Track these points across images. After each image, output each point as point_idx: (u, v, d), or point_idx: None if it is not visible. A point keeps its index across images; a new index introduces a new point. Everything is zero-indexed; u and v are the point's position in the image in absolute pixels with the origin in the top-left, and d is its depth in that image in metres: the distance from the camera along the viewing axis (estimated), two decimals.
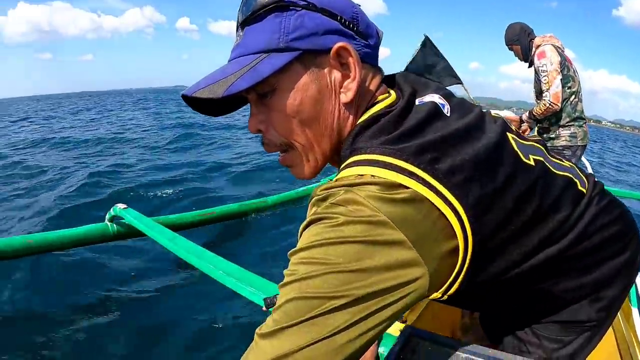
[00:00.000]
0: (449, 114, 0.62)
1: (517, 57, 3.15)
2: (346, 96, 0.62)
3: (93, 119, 16.31)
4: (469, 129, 0.59)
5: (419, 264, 0.49)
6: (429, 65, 3.96)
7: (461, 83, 4.09)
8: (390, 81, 0.71)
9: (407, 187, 0.51)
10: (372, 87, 0.66)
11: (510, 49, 3.11)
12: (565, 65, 2.89)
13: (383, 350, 0.60)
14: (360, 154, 0.56)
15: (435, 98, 0.63)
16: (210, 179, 5.65)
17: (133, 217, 2.47)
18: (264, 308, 1.32)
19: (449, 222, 0.52)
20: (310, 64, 0.60)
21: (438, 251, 0.52)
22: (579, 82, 2.98)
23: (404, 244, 0.48)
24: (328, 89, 0.62)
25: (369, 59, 0.65)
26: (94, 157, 7.37)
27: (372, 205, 0.48)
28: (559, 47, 2.93)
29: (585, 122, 3.02)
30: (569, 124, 2.98)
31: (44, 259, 2.71)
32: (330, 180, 0.57)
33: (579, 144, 3.01)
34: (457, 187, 0.53)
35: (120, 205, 2.58)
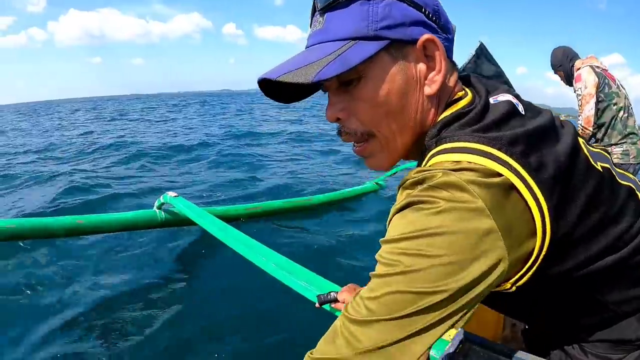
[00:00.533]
0: (523, 113, 0.60)
1: (563, 82, 3.13)
2: (430, 89, 0.61)
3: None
4: (546, 129, 0.58)
5: (504, 254, 0.48)
6: (481, 74, 3.89)
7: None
8: (463, 81, 0.69)
9: (501, 175, 0.50)
10: (452, 82, 0.64)
11: (556, 74, 3.12)
12: (605, 83, 2.85)
13: (435, 353, 0.55)
14: (452, 142, 0.54)
15: (508, 97, 0.61)
16: (257, 177, 5.68)
17: (184, 206, 2.47)
18: (317, 305, 1.25)
19: (533, 216, 0.51)
20: (397, 54, 0.58)
21: (519, 243, 0.51)
22: (626, 96, 2.90)
23: (496, 234, 0.47)
24: (413, 81, 0.60)
25: (448, 53, 0.63)
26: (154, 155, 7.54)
27: (472, 191, 0.47)
28: (597, 67, 2.89)
29: (639, 139, 2.91)
30: (621, 141, 2.90)
31: (91, 239, 2.75)
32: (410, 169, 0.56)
33: (631, 162, 2.90)
34: (544, 184, 0.52)
35: (171, 193, 2.59)
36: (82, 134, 11.25)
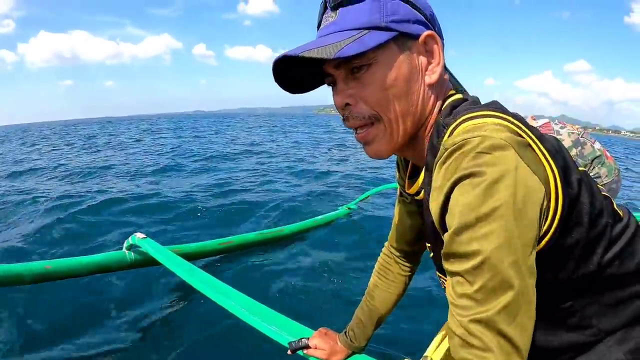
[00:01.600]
0: None
1: None
2: (430, 78, 0.69)
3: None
4: None
5: (544, 195, 0.56)
6: None
7: None
8: None
9: (521, 136, 0.57)
10: (446, 77, 0.74)
11: None
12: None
13: None
14: (472, 113, 0.62)
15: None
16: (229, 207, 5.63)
17: (152, 248, 2.45)
18: (289, 352, 1.28)
19: (547, 173, 0.58)
20: (403, 46, 0.67)
21: (546, 193, 0.57)
22: (569, 133, 2.90)
23: (540, 186, 0.55)
24: (416, 70, 0.68)
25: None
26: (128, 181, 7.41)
27: (512, 147, 0.54)
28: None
29: (604, 158, 2.88)
30: (590, 169, 2.86)
31: (61, 284, 2.72)
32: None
33: (604, 182, 2.91)
34: (549, 151, 0.59)
35: (139, 235, 2.56)
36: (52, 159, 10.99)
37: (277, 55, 0.70)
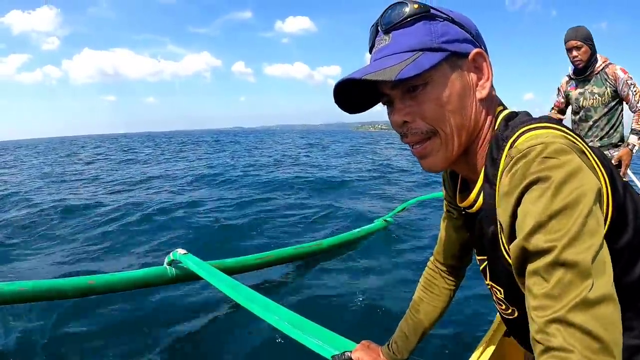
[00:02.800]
0: None
1: (575, 58, 2.95)
2: (481, 93, 0.72)
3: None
4: None
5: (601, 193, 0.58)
6: None
7: None
8: None
9: (576, 143, 0.60)
10: (494, 93, 0.75)
11: (579, 47, 2.91)
12: None
13: None
14: (528, 125, 0.65)
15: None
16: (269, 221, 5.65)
17: (193, 263, 2.45)
18: None
19: (600, 179, 0.59)
20: (454, 64, 0.69)
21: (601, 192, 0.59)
22: None
23: (600, 187, 0.57)
24: (468, 86, 0.71)
25: None
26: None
27: (573, 151, 0.56)
28: None
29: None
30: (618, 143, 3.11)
31: (104, 298, 2.75)
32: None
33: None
34: (598, 158, 0.63)
35: (180, 251, 2.58)
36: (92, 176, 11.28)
37: (339, 77, 0.71)
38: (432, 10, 0.69)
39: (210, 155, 18.11)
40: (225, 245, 4.41)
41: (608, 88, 2.97)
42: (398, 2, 0.70)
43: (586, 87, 3.05)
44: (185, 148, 22.53)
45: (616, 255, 0.59)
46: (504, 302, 0.82)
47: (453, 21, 0.70)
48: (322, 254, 3.80)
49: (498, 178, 0.64)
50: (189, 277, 2.61)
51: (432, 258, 1.17)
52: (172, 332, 2.61)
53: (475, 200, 0.76)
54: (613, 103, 3.01)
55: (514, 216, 0.59)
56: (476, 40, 0.72)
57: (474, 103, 0.72)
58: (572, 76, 3.15)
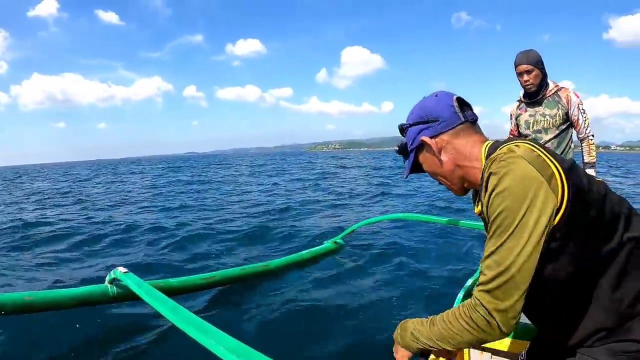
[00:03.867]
0: None
1: (527, 82, 2.97)
2: (443, 156, 1.08)
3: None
4: None
5: (549, 192, 0.83)
6: None
7: None
8: None
9: (534, 149, 0.88)
10: (458, 143, 1.05)
11: (530, 71, 2.93)
12: None
13: None
14: (500, 146, 0.95)
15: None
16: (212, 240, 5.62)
17: (133, 283, 2.41)
18: None
19: (552, 170, 0.85)
20: (421, 150, 1.10)
21: (554, 190, 0.84)
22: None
23: (540, 178, 0.83)
24: (433, 157, 1.09)
25: (456, 125, 1.05)
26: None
27: (522, 155, 0.86)
28: None
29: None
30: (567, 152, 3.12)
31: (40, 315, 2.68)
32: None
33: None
34: (553, 156, 0.88)
35: (121, 269, 2.54)
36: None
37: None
38: (402, 128, 1.12)
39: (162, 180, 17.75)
40: (173, 263, 4.35)
41: (560, 110, 2.99)
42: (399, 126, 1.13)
43: (537, 110, 3.06)
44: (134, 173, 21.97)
45: (587, 226, 0.86)
46: None
47: (411, 125, 1.08)
48: (269, 275, 3.80)
49: (484, 183, 0.91)
50: (130, 296, 2.57)
51: None
52: (108, 354, 2.56)
53: (481, 208, 1.00)
54: (564, 126, 3.02)
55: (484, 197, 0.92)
56: (429, 121, 1.05)
57: (438, 163, 1.07)
58: (522, 100, 3.13)
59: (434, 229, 6.24)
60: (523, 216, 0.81)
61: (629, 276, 0.88)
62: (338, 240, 5.03)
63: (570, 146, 3.11)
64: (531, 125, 3.09)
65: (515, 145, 0.89)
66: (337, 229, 5.93)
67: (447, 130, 1.03)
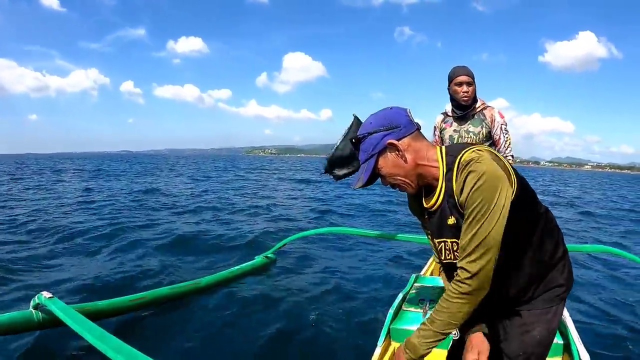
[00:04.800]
0: None
1: (465, 94, 2.93)
2: (405, 157, 1.26)
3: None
4: None
5: (509, 185, 1.16)
6: None
7: None
8: None
9: (492, 152, 1.21)
10: (417, 145, 1.27)
11: (470, 83, 2.92)
12: None
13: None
14: (462, 150, 1.21)
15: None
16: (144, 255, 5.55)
17: (58, 308, 2.38)
18: None
19: (508, 168, 1.19)
20: (383, 154, 1.26)
21: (510, 182, 1.17)
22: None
23: (501, 173, 1.15)
24: (396, 158, 1.26)
25: (412, 134, 1.27)
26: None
27: (490, 157, 1.16)
28: None
29: None
30: None
31: None
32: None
33: None
34: (501, 160, 1.20)
35: (46, 294, 2.50)
36: None
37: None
38: (360, 138, 1.27)
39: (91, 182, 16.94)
40: (102, 283, 4.24)
41: (484, 129, 3.00)
42: (352, 138, 1.29)
43: (462, 126, 3.05)
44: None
45: (527, 200, 1.24)
46: (453, 253, 1.31)
47: (371, 133, 1.25)
48: (200, 293, 3.82)
49: (453, 177, 1.19)
50: (56, 322, 2.51)
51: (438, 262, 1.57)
52: None
53: (436, 202, 1.29)
54: (486, 145, 2.87)
55: (461, 190, 1.16)
56: (392, 127, 1.24)
57: (403, 164, 1.25)
58: (448, 113, 3.11)
59: (365, 242, 6.53)
60: (495, 202, 1.12)
61: (546, 237, 1.29)
62: (269, 255, 5.09)
63: None
64: (455, 140, 3.08)
65: (479, 150, 1.18)
66: (269, 243, 6.05)
67: (407, 135, 1.25)
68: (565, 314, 2.06)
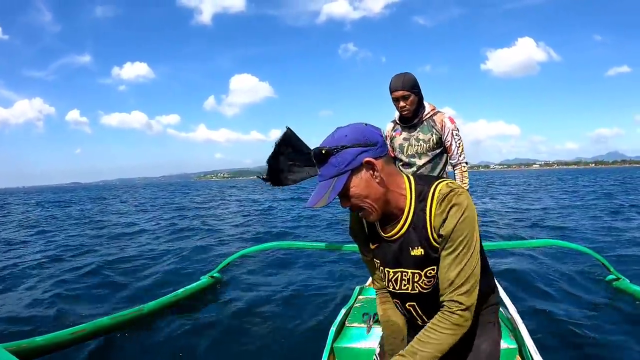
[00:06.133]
0: None
1: (403, 108, 2.87)
2: (378, 179, 1.17)
3: None
4: None
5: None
6: (300, 153, 3.81)
7: None
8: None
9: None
10: (390, 168, 1.20)
11: (407, 97, 2.81)
12: None
13: None
14: (436, 181, 1.21)
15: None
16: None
17: None
18: None
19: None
20: (356, 173, 1.15)
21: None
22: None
23: (473, 209, 1.17)
24: (369, 179, 1.15)
25: (385, 153, 1.19)
26: None
27: (463, 191, 1.17)
28: None
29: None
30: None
31: None
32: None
33: None
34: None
35: None
36: None
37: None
38: (332, 150, 1.13)
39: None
40: (38, 317, 4.00)
41: (434, 135, 2.92)
42: (317, 148, 1.15)
43: (412, 134, 2.97)
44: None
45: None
46: (413, 283, 1.27)
47: (345, 147, 1.12)
48: (144, 321, 3.67)
49: (428, 209, 1.17)
50: None
51: (377, 287, 1.51)
52: None
53: (399, 231, 1.24)
54: (437, 151, 2.96)
55: (442, 224, 1.15)
56: (370, 144, 1.13)
57: (375, 185, 1.16)
58: (397, 122, 3.05)
59: (311, 255, 6.55)
60: (475, 235, 1.16)
61: (484, 260, 1.30)
62: (215, 275, 5.01)
63: (445, 170, 3.08)
64: (405, 149, 3.00)
65: (452, 182, 1.19)
66: (213, 262, 5.93)
67: (382, 156, 1.16)
68: (516, 316, 2.09)
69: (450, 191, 1.15)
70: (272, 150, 3.65)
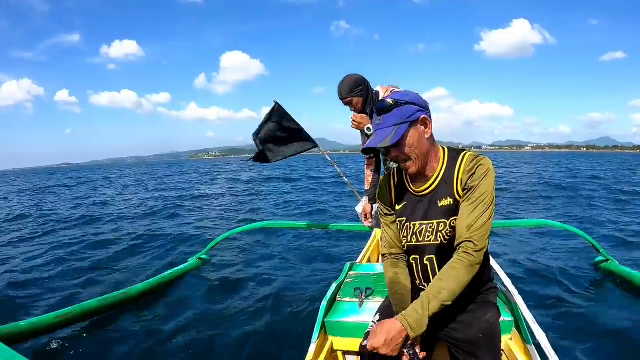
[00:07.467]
0: None
1: (352, 110, 2.97)
2: (427, 134, 1.43)
3: None
4: None
5: None
6: (288, 129, 3.84)
7: (317, 146, 4.00)
8: None
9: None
10: (432, 133, 1.46)
11: (349, 102, 2.93)
12: None
13: None
14: (464, 150, 1.48)
15: None
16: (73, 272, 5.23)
17: None
18: None
19: None
20: (414, 126, 1.40)
21: None
22: None
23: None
24: (421, 134, 1.41)
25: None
26: None
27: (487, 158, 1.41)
28: None
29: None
30: None
31: None
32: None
33: None
34: None
35: None
36: None
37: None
38: (399, 102, 1.38)
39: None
40: (20, 301, 3.96)
41: None
42: (384, 99, 1.40)
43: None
44: None
45: None
46: (436, 233, 1.45)
47: (408, 103, 1.38)
48: (131, 303, 3.67)
49: (458, 165, 1.41)
50: None
51: (387, 254, 1.65)
52: None
53: (430, 186, 1.46)
54: None
55: (469, 178, 1.38)
56: (423, 108, 1.40)
57: (425, 141, 1.41)
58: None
59: (298, 234, 6.59)
60: (493, 195, 1.36)
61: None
62: (202, 256, 5.02)
63: None
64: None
65: (475, 150, 1.48)
66: (201, 244, 5.94)
67: (431, 121, 1.43)
68: (513, 290, 2.15)
69: (478, 155, 1.40)
70: (258, 125, 3.60)
